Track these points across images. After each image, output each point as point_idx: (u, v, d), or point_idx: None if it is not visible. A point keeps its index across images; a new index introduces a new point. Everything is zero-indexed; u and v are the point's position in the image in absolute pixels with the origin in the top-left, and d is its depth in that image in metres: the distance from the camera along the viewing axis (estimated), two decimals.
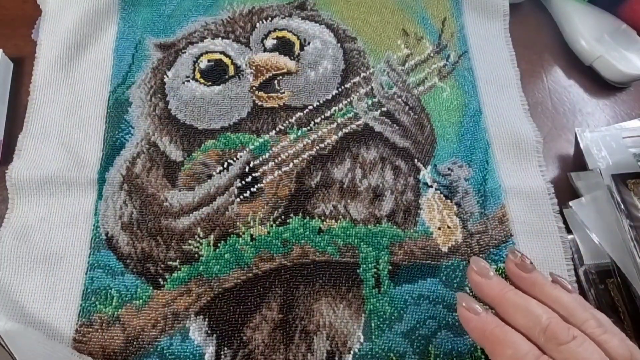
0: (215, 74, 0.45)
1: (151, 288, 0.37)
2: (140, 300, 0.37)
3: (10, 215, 0.40)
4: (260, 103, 0.44)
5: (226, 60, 0.46)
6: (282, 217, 0.40)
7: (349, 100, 0.45)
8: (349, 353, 0.36)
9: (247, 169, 0.42)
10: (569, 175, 0.44)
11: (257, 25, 0.48)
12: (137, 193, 0.40)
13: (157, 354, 0.35)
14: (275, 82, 0.45)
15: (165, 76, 0.45)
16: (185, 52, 0.46)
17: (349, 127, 0.44)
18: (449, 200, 0.42)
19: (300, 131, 0.43)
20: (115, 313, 0.37)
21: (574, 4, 0.52)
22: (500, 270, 0.39)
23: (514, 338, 0.29)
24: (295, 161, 0.42)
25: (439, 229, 0.40)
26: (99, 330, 0.36)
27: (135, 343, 0.36)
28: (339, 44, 0.48)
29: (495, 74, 0.48)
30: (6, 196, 0.40)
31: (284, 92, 0.45)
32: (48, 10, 0.47)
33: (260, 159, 0.42)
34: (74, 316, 0.36)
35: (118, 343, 0.36)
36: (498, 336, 0.29)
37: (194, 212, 0.40)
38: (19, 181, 0.40)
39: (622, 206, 0.40)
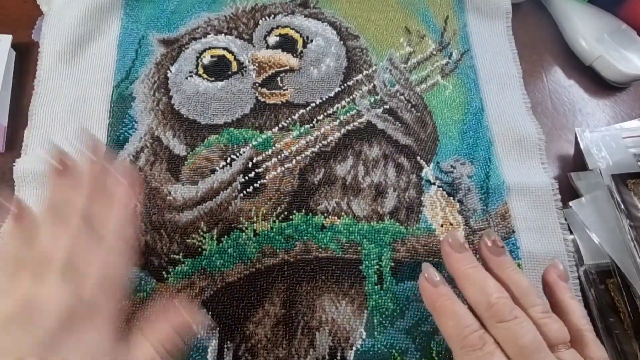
0: (218, 69, 0.45)
1: (154, 281, 0.37)
2: (144, 293, 0.37)
3: None
4: (263, 99, 0.44)
5: (229, 56, 0.46)
6: (285, 213, 0.40)
7: (351, 97, 0.45)
8: (351, 349, 0.36)
9: (250, 165, 0.42)
10: (569, 175, 0.44)
11: (260, 22, 0.48)
12: (141, 187, 0.40)
13: None
14: (278, 79, 0.45)
15: (168, 71, 0.45)
16: (188, 48, 0.46)
17: (351, 125, 0.44)
18: (451, 198, 0.42)
19: (303, 128, 0.43)
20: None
21: (574, 4, 0.53)
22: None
23: (459, 310, 0.30)
24: (298, 158, 0.42)
25: (442, 226, 0.41)
26: None
27: None
28: (342, 42, 0.48)
29: (497, 72, 0.48)
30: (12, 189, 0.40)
31: (286, 89, 0.45)
32: (52, 6, 0.47)
33: (263, 155, 0.42)
34: None
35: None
36: (446, 307, 0.30)
37: (198, 207, 0.40)
38: (24, 174, 0.40)
39: (622, 206, 0.40)
